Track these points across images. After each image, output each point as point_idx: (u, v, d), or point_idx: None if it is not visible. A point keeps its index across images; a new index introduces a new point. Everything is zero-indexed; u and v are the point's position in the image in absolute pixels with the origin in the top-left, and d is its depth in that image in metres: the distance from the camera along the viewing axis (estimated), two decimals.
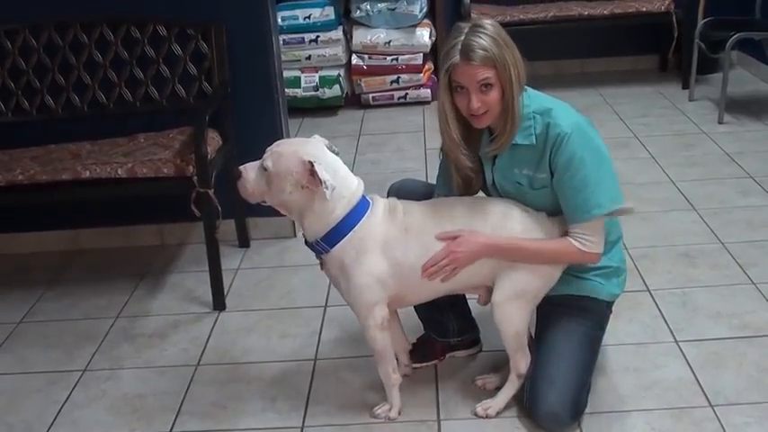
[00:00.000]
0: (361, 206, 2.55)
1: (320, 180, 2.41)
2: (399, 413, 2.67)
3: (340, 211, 2.51)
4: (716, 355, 2.88)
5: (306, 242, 2.61)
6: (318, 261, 2.64)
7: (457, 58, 2.40)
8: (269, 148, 2.55)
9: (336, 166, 2.55)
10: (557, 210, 2.56)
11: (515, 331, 2.58)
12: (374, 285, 2.52)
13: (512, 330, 2.58)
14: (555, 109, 2.50)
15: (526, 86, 2.53)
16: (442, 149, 2.69)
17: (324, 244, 2.54)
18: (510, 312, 2.56)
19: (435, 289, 2.60)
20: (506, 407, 2.66)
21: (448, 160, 2.64)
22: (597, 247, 2.52)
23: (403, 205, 2.62)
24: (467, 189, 2.67)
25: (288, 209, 2.57)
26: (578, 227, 2.50)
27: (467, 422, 2.64)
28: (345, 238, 2.52)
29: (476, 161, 2.61)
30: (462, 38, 2.41)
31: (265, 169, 2.50)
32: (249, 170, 2.55)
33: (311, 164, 2.43)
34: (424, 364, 2.92)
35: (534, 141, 2.49)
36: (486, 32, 2.40)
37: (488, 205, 2.62)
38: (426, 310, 2.85)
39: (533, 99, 2.52)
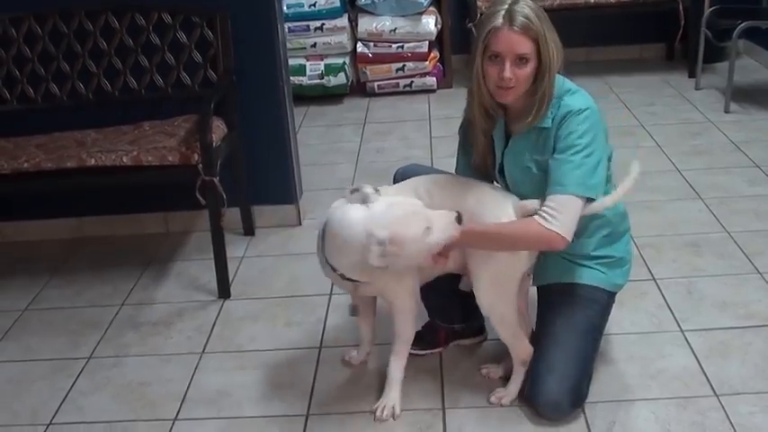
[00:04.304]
0: None
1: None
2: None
3: None
4: (721, 345, 2.87)
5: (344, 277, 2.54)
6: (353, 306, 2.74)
7: (500, 21, 2.39)
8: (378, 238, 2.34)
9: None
10: None
11: (501, 315, 2.58)
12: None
13: (498, 315, 2.58)
14: (571, 92, 2.51)
15: None
16: (461, 127, 2.71)
17: None
18: (492, 298, 2.56)
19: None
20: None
21: (470, 134, 2.64)
22: (561, 227, 2.41)
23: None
24: (485, 169, 2.69)
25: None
26: (548, 200, 2.45)
27: (471, 410, 2.64)
28: None
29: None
30: (507, 5, 2.40)
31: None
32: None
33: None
34: (429, 352, 2.92)
35: (550, 124, 2.50)
36: (529, 6, 2.41)
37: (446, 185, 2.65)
38: (430, 297, 2.85)
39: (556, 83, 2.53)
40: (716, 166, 4.38)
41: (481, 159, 2.67)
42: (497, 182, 2.72)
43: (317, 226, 2.56)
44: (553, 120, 2.49)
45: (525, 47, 2.40)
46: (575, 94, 2.51)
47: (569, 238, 2.43)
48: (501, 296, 2.57)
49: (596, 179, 2.47)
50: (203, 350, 3.09)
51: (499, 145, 2.62)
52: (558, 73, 2.52)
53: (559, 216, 2.42)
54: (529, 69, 2.42)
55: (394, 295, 2.62)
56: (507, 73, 2.41)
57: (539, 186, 2.54)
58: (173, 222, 4.07)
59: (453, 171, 2.83)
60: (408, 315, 2.63)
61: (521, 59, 2.41)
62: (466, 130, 2.70)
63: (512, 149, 2.59)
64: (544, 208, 2.44)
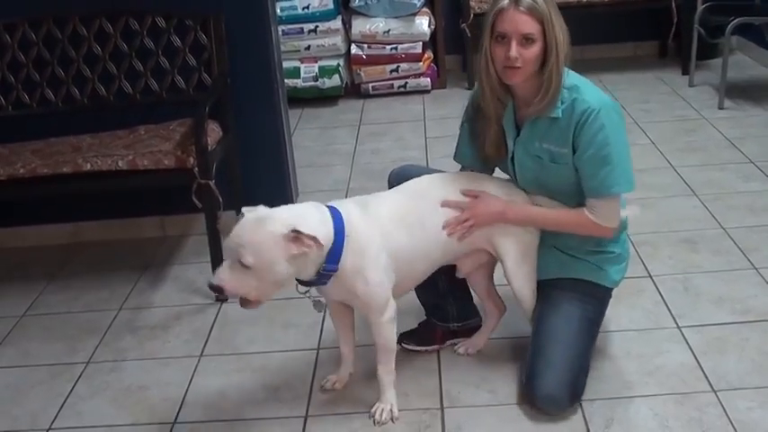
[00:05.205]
0: (336, 217, 2.48)
1: (310, 237, 2.33)
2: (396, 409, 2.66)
3: (325, 238, 2.40)
4: (718, 341, 2.88)
5: (302, 283, 2.51)
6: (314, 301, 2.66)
7: (506, 2, 2.44)
8: (232, 243, 2.34)
9: (298, 212, 2.48)
10: (572, 186, 2.59)
11: (533, 289, 2.69)
12: (385, 279, 2.51)
13: (530, 289, 2.69)
14: (582, 86, 2.54)
15: None
16: (466, 113, 2.73)
17: (329, 266, 2.43)
18: (524, 273, 2.66)
19: (429, 264, 2.65)
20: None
21: (481, 124, 2.65)
22: (612, 222, 2.58)
23: (372, 198, 2.63)
24: (495, 158, 2.71)
25: (287, 282, 2.45)
26: (595, 201, 2.55)
27: (470, 410, 2.64)
28: (345, 248, 2.43)
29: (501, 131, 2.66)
30: None
31: (247, 266, 2.32)
32: (227, 280, 2.35)
33: (295, 231, 2.32)
34: (424, 348, 2.92)
35: (560, 114, 2.51)
36: None
37: (460, 180, 2.69)
38: (426, 295, 2.88)
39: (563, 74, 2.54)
40: (710, 162, 4.39)
41: (494, 149, 2.66)
42: (506, 170, 2.74)
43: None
44: (563, 111, 2.51)
45: (530, 27, 2.42)
46: (585, 88, 2.53)
47: (617, 225, 2.61)
48: (531, 268, 2.68)
49: (631, 172, 2.58)
50: (201, 353, 3.09)
51: (510, 134, 2.64)
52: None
53: (608, 213, 2.57)
54: (535, 50, 2.44)
55: (372, 309, 2.55)
56: (513, 52, 2.43)
57: (548, 174, 2.60)
58: (169, 226, 4.07)
59: (448, 168, 2.85)
60: (382, 327, 2.56)
61: (526, 39, 2.43)
62: (472, 118, 2.70)
63: (523, 138, 2.61)
64: (594, 207, 2.55)
